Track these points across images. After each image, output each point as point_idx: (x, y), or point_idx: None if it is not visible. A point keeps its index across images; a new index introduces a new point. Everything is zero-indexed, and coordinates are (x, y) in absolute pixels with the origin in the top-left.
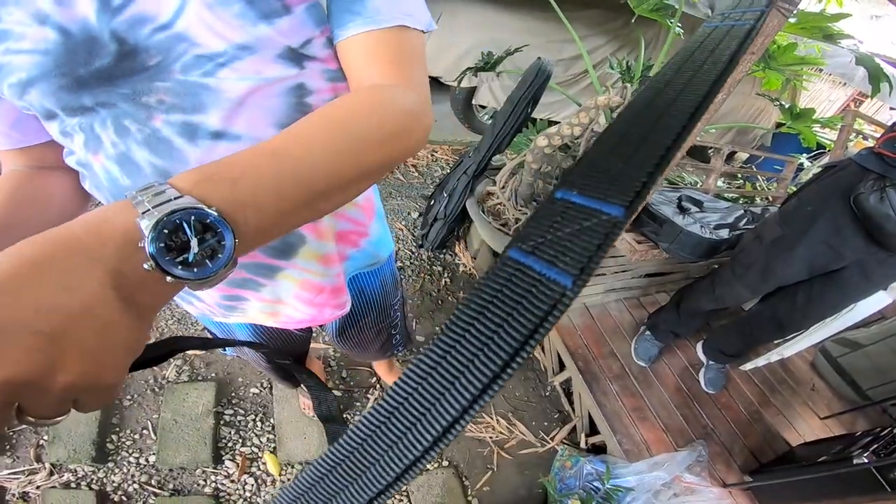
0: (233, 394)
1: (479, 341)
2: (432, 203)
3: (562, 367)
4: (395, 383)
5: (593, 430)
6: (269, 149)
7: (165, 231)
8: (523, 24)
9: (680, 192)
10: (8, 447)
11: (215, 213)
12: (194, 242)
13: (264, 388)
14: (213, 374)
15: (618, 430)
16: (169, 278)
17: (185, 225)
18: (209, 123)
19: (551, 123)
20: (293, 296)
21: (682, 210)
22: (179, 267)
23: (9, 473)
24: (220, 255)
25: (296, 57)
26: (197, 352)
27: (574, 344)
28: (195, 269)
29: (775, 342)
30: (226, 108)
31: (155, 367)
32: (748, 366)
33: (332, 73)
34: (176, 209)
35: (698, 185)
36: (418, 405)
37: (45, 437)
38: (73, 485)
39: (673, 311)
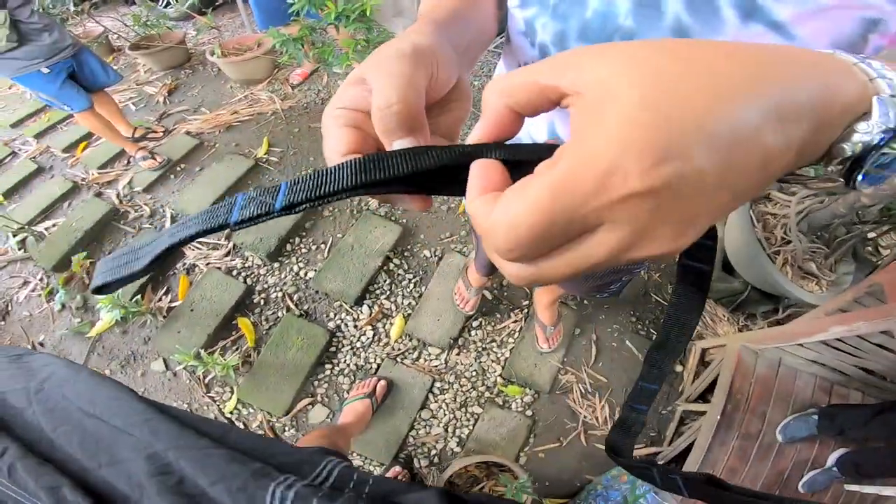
0: (408, 246)
1: None
2: None
3: (702, 398)
4: None
5: (668, 463)
6: None
7: None
8: None
9: None
10: None
11: None
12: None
13: (435, 256)
14: (405, 220)
15: None
16: (832, 168)
17: None
18: (776, 12)
19: None
20: None
21: None
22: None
23: (197, 241)
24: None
25: None
26: None
27: (740, 385)
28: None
29: None
30: (803, 7)
31: None
32: (868, 489)
33: None
34: None
35: None
36: None
37: None
38: (234, 272)
39: (866, 415)
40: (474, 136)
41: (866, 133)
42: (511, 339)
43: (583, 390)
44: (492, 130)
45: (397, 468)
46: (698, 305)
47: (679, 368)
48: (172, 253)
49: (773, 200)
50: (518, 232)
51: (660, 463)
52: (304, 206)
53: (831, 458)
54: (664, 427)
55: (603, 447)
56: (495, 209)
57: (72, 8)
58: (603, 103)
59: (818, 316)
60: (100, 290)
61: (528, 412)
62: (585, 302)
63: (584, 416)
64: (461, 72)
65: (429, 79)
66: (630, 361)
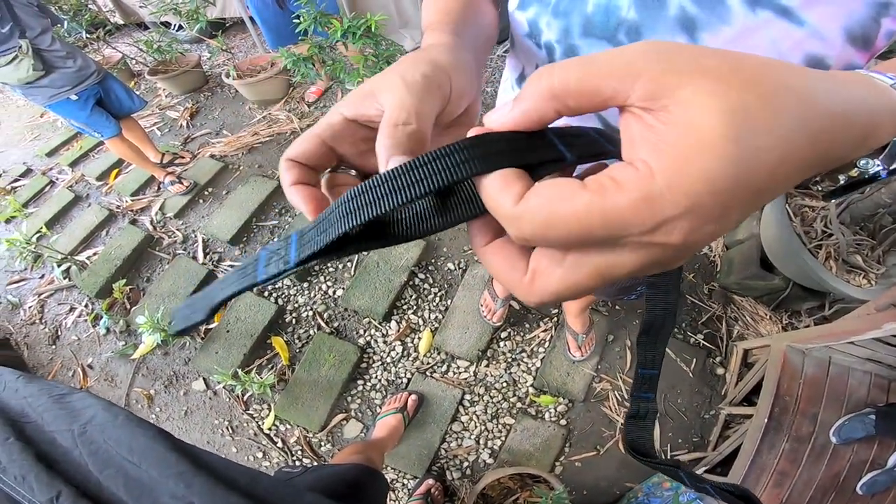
0: (432, 260)
1: None
2: None
3: (747, 401)
4: None
5: (714, 468)
6: None
7: None
8: None
9: None
10: (244, 239)
11: None
12: None
13: (459, 268)
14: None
15: (748, 483)
16: (818, 188)
17: None
18: None
19: None
20: None
21: None
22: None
23: (229, 265)
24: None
25: None
26: None
27: (787, 388)
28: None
29: None
30: None
31: None
32: None
33: None
34: None
35: None
36: None
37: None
38: (265, 293)
39: None
40: (501, 123)
41: (865, 168)
42: (541, 349)
43: (619, 398)
44: (526, 127)
45: (430, 481)
46: (676, 280)
47: (721, 371)
48: (222, 307)
49: (810, 194)
50: (551, 232)
51: (703, 469)
52: (315, 260)
53: (892, 459)
54: (707, 432)
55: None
56: (532, 197)
57: (85, 36)
58: (683, 141)
59: (869, 311)
60: (179, 333)
61: (563, 421)
62: (618, 307)
63: (622, 424)
64: (477, 85)
65: (443, 103)
66: (667, 366)
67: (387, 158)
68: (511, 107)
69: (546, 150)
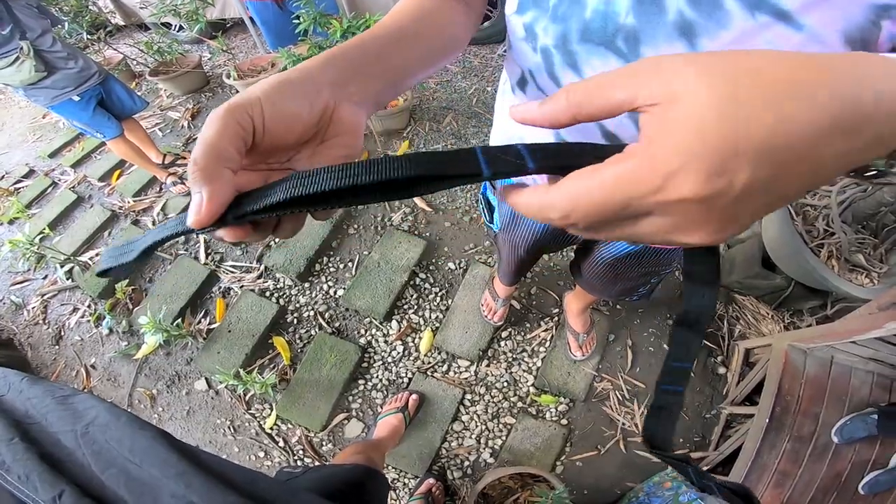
0: (433, 260)
1: None
2: None
3: (748, 400)
4: None
5: (715, 468)
6: None
7: None
8: None
9: None
10: None
11: None
12: None
13: (460, 268)
14: (428, 234)
15: (749, 482)
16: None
17: None
18: (782, 1)
19: None
20: None
21: None
22: None
23: (231, 265)
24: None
25: None
26: (425, 207)
27: (789, 388)
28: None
29: None
30: None
31: (386, 206)
32: None
33: None
34: None
35: None
36: None
37: (275, 241)
38: (267, 293)
39: None
40: (529, 116)
41: None
42: (542, 349)
43: (620, 397)
44: (542, 125)
45: (431, 480)
46: (714, 269)
47: (722, 370)
48: (153, 251)
49: (812, 191)
50: (578, 203)
51: (704, 468)
52: (249, 216)
53: (895, 459)
54: (709, 431)
55: (644, 453)
56: (563, 183)
57: (86, 37)
58: (674, 115)
59: (871, 311)
60: (103, 273)
61: (564, 421)
62: (618, 307)
63: (623, 423)
64: (319, 107)
65: (244, 132)
66: None
67: (196, 190)
68: (536, 107)
69: (467, 165)
